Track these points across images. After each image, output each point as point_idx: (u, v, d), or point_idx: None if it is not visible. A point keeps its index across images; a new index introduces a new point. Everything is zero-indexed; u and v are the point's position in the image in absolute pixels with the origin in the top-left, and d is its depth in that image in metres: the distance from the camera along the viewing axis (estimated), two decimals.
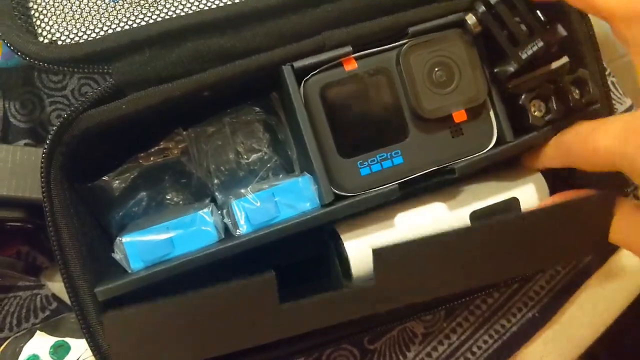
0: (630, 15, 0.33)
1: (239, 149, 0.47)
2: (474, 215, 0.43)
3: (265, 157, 0.47)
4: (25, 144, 0.49)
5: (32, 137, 0.49)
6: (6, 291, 0.49)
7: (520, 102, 0.41)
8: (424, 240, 0.37)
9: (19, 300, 0.49)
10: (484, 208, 0.43)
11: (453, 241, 0.38)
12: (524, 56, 0.40)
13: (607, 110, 0.44)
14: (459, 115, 0.41)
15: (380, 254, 0.37)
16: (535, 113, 0.40)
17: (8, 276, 0.46)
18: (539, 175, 0.43)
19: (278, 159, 0.47)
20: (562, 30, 0.40)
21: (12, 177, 0.41)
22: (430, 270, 0.38)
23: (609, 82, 0.52)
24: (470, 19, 0.40)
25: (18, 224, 0.42)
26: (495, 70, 0.41)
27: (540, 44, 0.40)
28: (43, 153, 0.37)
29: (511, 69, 0.40)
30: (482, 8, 0.40)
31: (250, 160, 0.47)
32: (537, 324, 0.54)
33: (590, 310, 0.55)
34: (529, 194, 0.43)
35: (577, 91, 0.41)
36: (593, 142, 0.35)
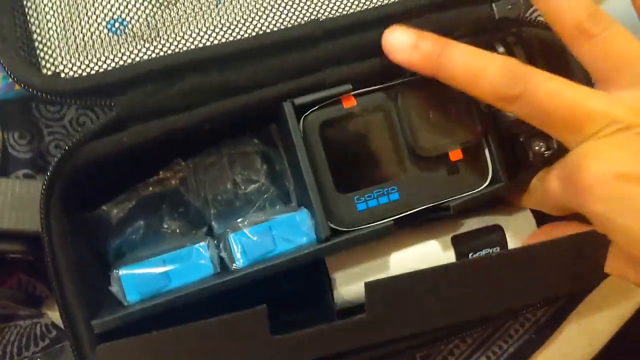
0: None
1: (237, 179, 0.47)
2: (456, 240, 0.43)
3: (263, 188, 0.47)
4: (25, 175, 0.49)
5: (32, 167, 0.49)
6: (7, 320, 0.49)
7: (521, 140, 0.41)
8: (415, 275, 0.38)
9: (20, 329, 0.49)
10: (465, 232, 0.44)
11: (444, 276, 0.39)
12: None
13: None
14: (455, 154, 0.42)
15: (372, 287, 0.38)
16: (536, 149, 0.41)
17: (9, 306, 0.47)
18: (529, 216, 0.44)
19: (275, 190, 0.47)
20: None
21: (12, 210, 0.41)
22: (421, 303, 0.39)
23: None
24: None
25: (19, 255, 0.43)
26: (499, 114, 0.42)
27: None
28: (43, 185, 0.38)
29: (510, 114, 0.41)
30: (501, 49, 0.41)
31: (247, 190, 0.47)
32: (534, 345, 0.55)
33: (587, 330, 0.56)
34: (515, 225, 0.44)
35: None
36: (545, 185, 0.37)
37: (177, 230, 0.47)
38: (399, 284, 0.38)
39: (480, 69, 0.35)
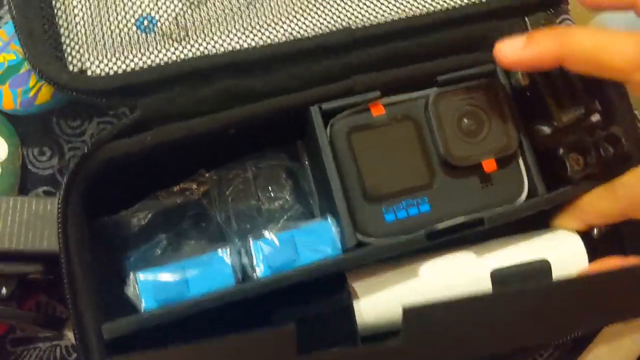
0: None
1: (260, 194, 0.46)
2: (496, 275, 0.41)
3: (287, 206, 0.46)
4: (44, 192, 0.48)
5: (51, 184, 0.48)
6: (27, 343, 0.47)
7: (559, 154, 0.40)
8: (455, 303, 0.35)
9: (39, 352, 0.47)
10: (508, 267, 0.41)
11: (488, 306, 0.36)
12: (565, 119, 0.39)
13: None
14: (489, 165, 0.40)
15: (411, 313, 0.35)
16: (574, 166, 0.39)
17: (29, 329, 0.45)
18: (577, 238, 0.41)
19: (299, 207, 0.46)
20: (598, 106, 0.41)
21: (29, 230, 0.40)
22: (458, 333, 0.36)
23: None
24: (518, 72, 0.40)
25: (38, 276, 0.41)
26: (532, 127, 0.40)
27: (582, 110, 0.40)
28: (63, 185, 0.37)
29: (548, 129, 0.39)
30: None
31: (271, 206, 0.46)
32: None
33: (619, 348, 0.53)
34: (563, 258, 0.41)
35: (610, 148, 0.40)
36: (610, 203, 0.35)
37: (198, 244, 0.46)
38: (438, 311, 0.36)
39: (610, 43, 0.34)
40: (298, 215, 0.46)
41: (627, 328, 0.54)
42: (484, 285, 0.40)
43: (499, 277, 0.40)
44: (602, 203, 0.39)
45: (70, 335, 0.46)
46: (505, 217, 0.40)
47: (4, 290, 0.42)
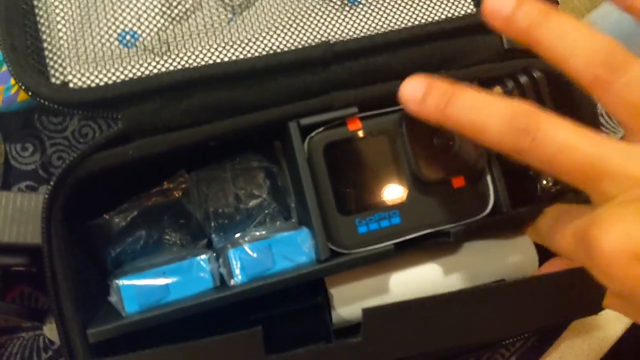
0: None
1: (239, 193, 0.47)
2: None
3: (264, 204, 0.47)
4: (27, 187, 0.49)
5: (34, 179, 0.49)
6: (10, 332, 0.49)
7: (530, 173, 0.42)
8: (411, 303, 0.38)
9: (22, 341, 0.49)
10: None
11: (439, 304, 0.39)
12: None
13: None
14: (458, 181, 0.42)
15: (369, 313, 0.38)
16: (544, 184, 0.41)
17: (11, 320, 0.47)
18: (531, 246, 0.44)
19: (277, 206, 0.48)
20: None
21: (13, 224, 0.41)
22: (415, 330, 0.39)
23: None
24: (498, 90, 0.42)
25: (22, 268, 0.43)
26: None
27: None
28: (46, 195, 0.38)
29: None
30: (512, 84, 0.41)
31: (249, 205, 0.47)
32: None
33: (572, 356, 0.57)
34: (517, 266, 0.44)
35: None
36: (556, 236, 0.32)
37: (177, 242, 0.47)
38: (395, 311, 0.38)
39: (485, 122, 0.31)
40: (275, 213, 0.47)
41: (594, 322, 0.57)
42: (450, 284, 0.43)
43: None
44: (543, 228, 0.37)
45: (52, 326, 0.48)
46: (470, 230, 0.42)
47: None
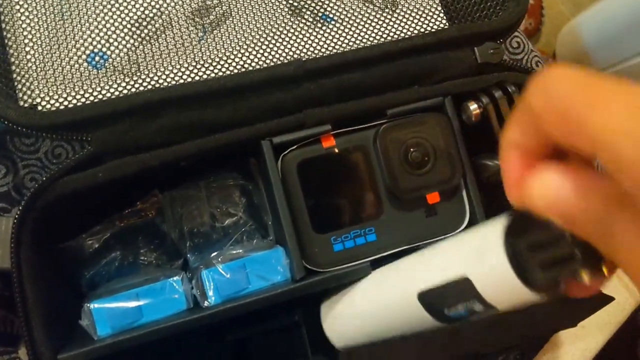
0: None
1: (215, 212, 0.47)
2: (423, 296, 0.41)
3: (241, 222, 0.47)
4: (0, 208, 0.48)
5: (6, 201, 0.48)
6: None
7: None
8: (386, 343, 0.37)
9: None
10: (431, 289, 0.38)
11: (418, 341, 0.38)
12: None
13: None
14: (433, 197, 0.42)
15: (347, 355, 0.38)
16: None
17: None
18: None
19: (253, 223, 0.47)
20: None
21: None
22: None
23: None
24: (472, 105, 0.42)
25: None
26: (479, 162, 0.42)
27: None
28: (15, 218, 0.37)
29: (496, 163, 0.41)
30: (486, 99, 0.41)
31: (225, 224, 0.47)
32: None
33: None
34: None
35: None
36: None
37: (153, 262, 0.47)
38: (372, 352, 0.38)
39: None
40: (252, 231, 0.47)
41: (576, 334, 0.57)
42: (415, 305, 0.41)
43: (424, 297, 0.41)
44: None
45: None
46: None
47: None
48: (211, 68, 0.40)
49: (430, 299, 0.36)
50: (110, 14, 0.40)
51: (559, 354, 0.58)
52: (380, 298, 0.40)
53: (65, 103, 0.38)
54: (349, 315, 0.42)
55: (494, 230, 0.29)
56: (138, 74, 0.39)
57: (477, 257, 0.32)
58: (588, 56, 0.79)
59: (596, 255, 0.25)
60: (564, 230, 0.25)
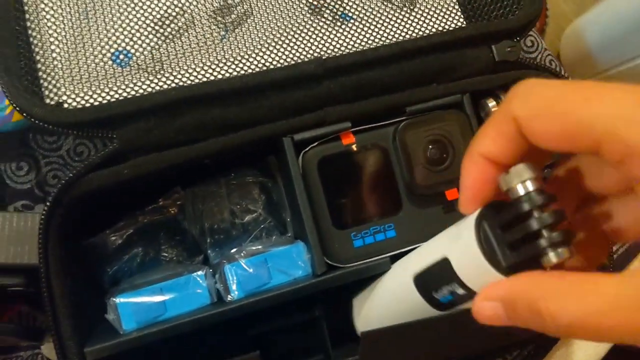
0: None
1: (234, 209, 0.47)
2: (417, 280, 0.41)
3: (260, 218, 0.47)
4: (23, 205, 0.49)
5: (30, 198, 0.49)
6: (7, 352, 0.49)
7: None
8: (407, 325, 0.38)
9: None
10: (421, 272, 0.37)
11: (424, 327, 0.39)
12: None
13: None
14: (452, 193, 0.43)
15: (366, 336, 0.38)
16: None
17: (9, 340, 0.47)
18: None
19: (272, 220, 0.48)
20: None
21: (10, 245, 0.42)
22: (407, 349, 0.40)
23: None
24: (490, 102, 0.42)
25: (19, 288, 0.43)
26: None
27: None
28: (42, 215, 0.38)
29: None
30: (504, 95, 0.42)
31: (244, 220, 0.47)
32: None
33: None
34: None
35: None
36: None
37: (174, 258, 0.48)
38: (391, 333, 0.39)
39: None
40: (271, 228, 0.48)
41: None
42: (412, 289, 0.41)
43: (417, 280, 0.41)
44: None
45: (51, 345, 0.48)
46: None
47: None
48: (233, 66, 0.41)
49: (421, 281, 0.36)
50: (133, 12, 0.40)
51: (572, 349, 0.58)
52: (391, 285, 0.41)
53: (91, 101, 0.39)
54: (372, 307, 0.43)
55: (473, 214, 0.29)
56: (162, 72, 0.40)
57: (455, 237, 0.32)
58: (592, 56, 0.79)
59: (564, 235, 0.26)
60: (534, 210, 0.26)
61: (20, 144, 0.49)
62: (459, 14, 0.46)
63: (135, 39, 0.40)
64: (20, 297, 0.47)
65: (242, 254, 0.43)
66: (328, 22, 0.43)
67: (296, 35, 0.42)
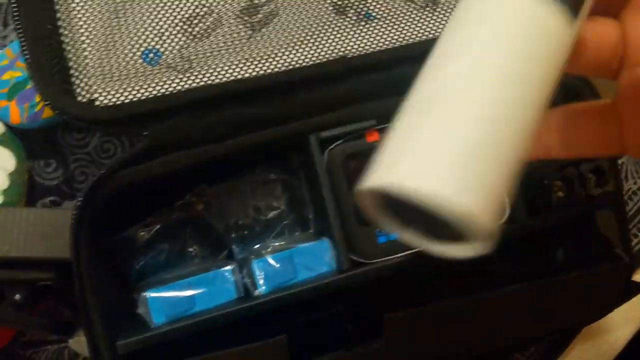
0: None
1: (258, 205, 0.48)
2: None
3: (283, 215, 0.48)
4: (51, 202, 0.50)
5: (58, 194, 0.50)
6: (36, 346, 0.49)
7: (544, 183, 0.42)
8: (431, 309, 0.39)
9: (47, 354, 0.50)
10: None
11: (458, 309, 0.40)
12: None
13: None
14: None
15: (391, 320, 0.39)
16: (559, 194, 0.42)
17: (38, 334, 0.47)
18: None
19: (294, 217, 0.49)
20: None
21: (42, 239, 0.42)
22: (436, 335, 0.40)
23: None
24: None
25: (49, 282, 0.44)
26: None
27: None
28: (74, 210, 0.39)
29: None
30: None
31: (268, 216, 0.48)
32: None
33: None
34: None
35: (594, 179, 0.43)
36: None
37: (199, 254, 0.48)
38: (416, 317, 0.39)
39: None
40: (293, 224, 0.48)
41: (603, 326, 0.58)
42: None
43: None
44: None
45: (78, 339, 0.49)
46: None
47: (17, 297, 0.44)
48: (260, 65, 0.42)
49: None
50: (162, 11, 0.41)
51: (586, 347, 0.59)
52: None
53: (122, 98, 0.40)
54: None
55: None
56: (191, 70, 0.41)
57: None
58: None
59: None
60: None
61: (49, 141, 0.50)
62: None
63: (164, 37, 0.41)
64: (49, 292, 0.48)
65: (267, 250, 0.44)
66: (352, 22, 0.44)
67: (321, 35, 0.43)
